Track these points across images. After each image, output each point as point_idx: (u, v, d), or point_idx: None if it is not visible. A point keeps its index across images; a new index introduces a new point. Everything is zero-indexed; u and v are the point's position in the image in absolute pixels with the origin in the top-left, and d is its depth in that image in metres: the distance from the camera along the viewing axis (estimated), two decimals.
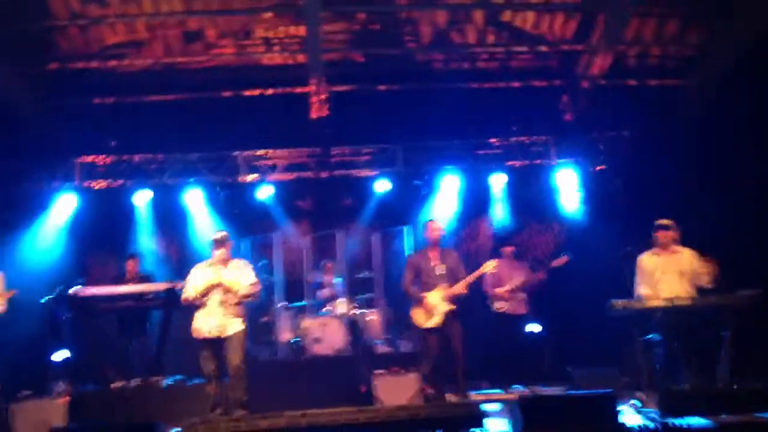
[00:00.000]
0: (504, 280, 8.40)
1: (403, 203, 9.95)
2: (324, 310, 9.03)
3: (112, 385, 7.63)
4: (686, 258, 6.59)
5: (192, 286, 6.53)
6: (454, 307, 6.94)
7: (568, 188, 9.82)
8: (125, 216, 9.71)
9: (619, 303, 6.31)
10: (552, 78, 9.59)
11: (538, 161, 9.90)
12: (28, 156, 9.23)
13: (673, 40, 9.00)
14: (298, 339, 8.79)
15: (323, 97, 9.14)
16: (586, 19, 8.66)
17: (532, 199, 10.02)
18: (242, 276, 6.54)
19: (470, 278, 7.01)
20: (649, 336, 6.33)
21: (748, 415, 5.16)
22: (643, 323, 6.46)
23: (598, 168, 9.85)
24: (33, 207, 9.29)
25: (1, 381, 6.89)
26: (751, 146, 8.09)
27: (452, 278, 7.01)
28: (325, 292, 9.30)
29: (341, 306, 8.95)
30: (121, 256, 8.83)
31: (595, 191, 9.82)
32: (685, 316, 6.32)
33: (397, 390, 7.40)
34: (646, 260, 6.70)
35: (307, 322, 8.72)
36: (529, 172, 9.91)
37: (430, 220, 7.42)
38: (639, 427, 5.23)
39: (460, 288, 6.95)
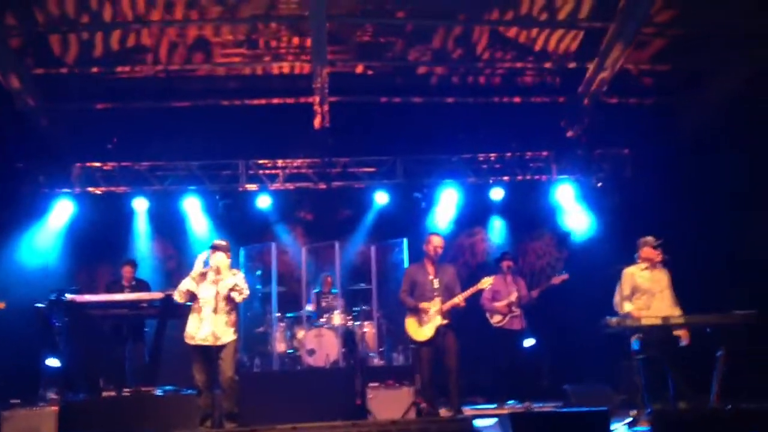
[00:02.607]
0: (502, 294, 8.36)
1: (402, 216, 9.93)
2: (319, 321, 8.99)
3: (104, 394, 7.57)
4: (666, 275, 6.62)
5: (186, 284, 6.44)
6: (447, 321, 6.91)
7: (567, 204, 9.83)
8: (123, 222, 9.71)
9: (613, 320, 6.28)
10: (554, 94, 9.61)
11: (538, 177, 9.94)
12: (29, 159, 9.25)
13: (674, 60, 9.04)
14: (292, 350, 8.73)
15: (326, 108, 9.15)
16: (590, 37, 8.68)
17: (531, 214, 10.04)
18: (236, 284, 6.46)
19: (466, 294, 6.99)
20: (643, 354, 6.29)
21: None
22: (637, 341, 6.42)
23: (598, 185, 9.85)
24: (31, 211, 9.29)
25: None
26: (747, 166, 8.12)
27: (448, 293, 6.98)
28: (321, 304, 9.26)
29: (337, 317, 8.92)
30: (118, 262, 8.80)
31: (593, 208, 9.83)
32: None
33: (390, 403, 7.35)
34: (639, 275, 6.62)
35: (302, 334, 8.67)
36: (529, 187, 9.95)
37: (431, 234, 7.38)
38: None
39: (454, 303, 6.93)
